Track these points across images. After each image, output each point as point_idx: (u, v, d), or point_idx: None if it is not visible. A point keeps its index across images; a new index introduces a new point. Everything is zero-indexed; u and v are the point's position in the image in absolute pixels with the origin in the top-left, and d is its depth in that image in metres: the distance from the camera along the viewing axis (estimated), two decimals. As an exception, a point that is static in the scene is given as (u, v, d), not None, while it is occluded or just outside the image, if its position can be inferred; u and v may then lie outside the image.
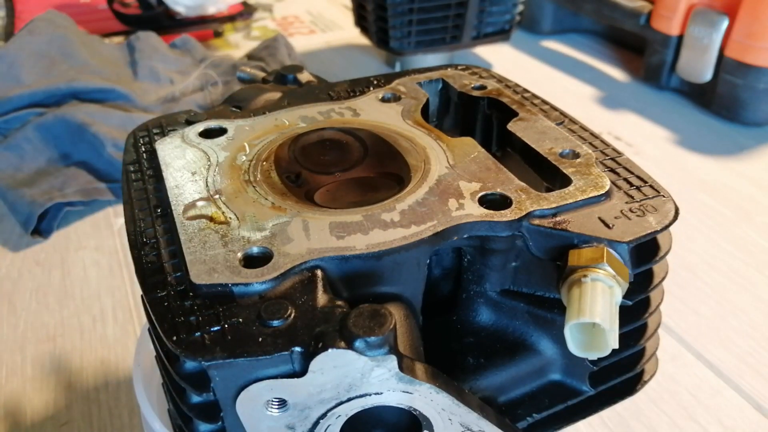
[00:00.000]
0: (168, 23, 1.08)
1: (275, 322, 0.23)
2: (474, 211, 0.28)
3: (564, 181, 0.31)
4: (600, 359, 0.29)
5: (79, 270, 0.59)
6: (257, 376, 0.23)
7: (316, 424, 0.25)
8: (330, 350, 0.22)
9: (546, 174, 0.33)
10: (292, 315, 0.23)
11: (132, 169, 0.33)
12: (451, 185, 0.30)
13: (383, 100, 0.39)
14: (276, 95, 0.40)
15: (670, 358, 0.45)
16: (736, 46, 0.70)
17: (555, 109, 0.38)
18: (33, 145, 0.71)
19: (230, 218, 0.28)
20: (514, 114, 0.37)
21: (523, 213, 0.28)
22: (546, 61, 0.90)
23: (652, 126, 0.75)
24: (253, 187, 0.30)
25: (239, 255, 0.26)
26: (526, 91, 0.40)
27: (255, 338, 0.23)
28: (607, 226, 0.28)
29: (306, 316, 0.23)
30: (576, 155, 0.33)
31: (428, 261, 0.29)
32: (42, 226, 0.65)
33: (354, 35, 0.89)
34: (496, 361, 0.32)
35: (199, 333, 0.23)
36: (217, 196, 0.30)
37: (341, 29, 1.02)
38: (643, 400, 0.41)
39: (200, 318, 0.23)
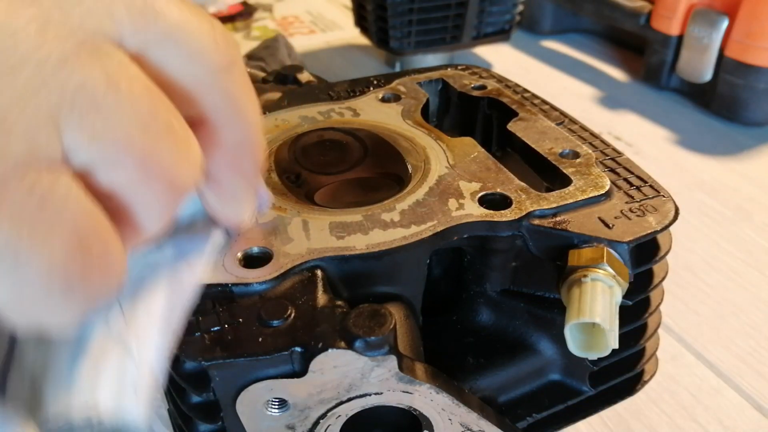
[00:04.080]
0: (168, 23, 1.07)
1: (275, 322, 0.23)
2: (474, 211, 0.28)
3: (564, 181, 0.31)
4: (600, 359, 0.29)
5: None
6: (257, 376, 0.23)
7: (316, 424, 0.25)
8: (330, 350, 0.22)
9: (546, 174, 0.33)
10: (292, 315, 0.23)
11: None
12: (451, 185, 0.30)
13: (383, 100, 0.39)
14: (276, 95, 0.40)
15: (670, 358, 0.45)
16: (736, 46, 0.70)
17: (555, 109, 0.38)
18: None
19: (230, 218, 0.28)
20: (514, 114, 0.37)
21: (523, 213, 0.28)
22: (546, 61, 0.90)
23: (652, 126, 0.74)
24: (253, 187, 0.30)
25: (239, 255, 0.26)
26: (526, 91, 0.40)
27: (255, 338, 0.23)
28: (607, 226, 0.28)
29: (306, 316, 0.23)
30: (576, 155, 0.33)
31: (428, 261, 0.29)
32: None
33: (354, 35, 0.88)
34: (496, 361, 0.32)
35: (199, 333, 0.23)
36: (217, 196, 0.30)
37: (341, 29, 1.02)
38: (643, 400, 0.41)
39: (200, 318, 0.23)
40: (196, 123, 0.20)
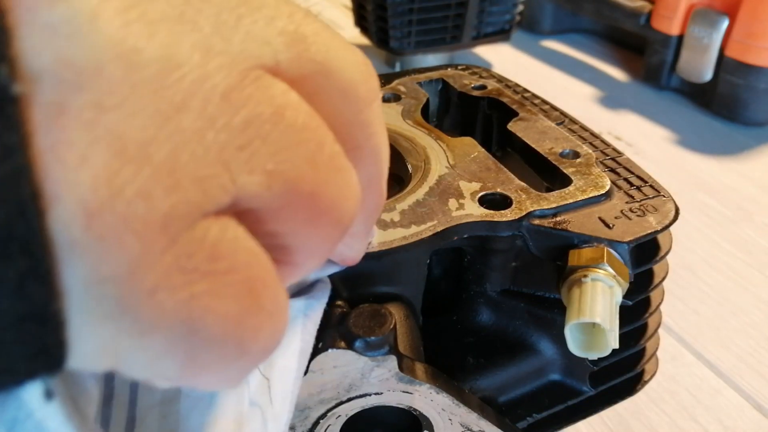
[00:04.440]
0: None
1: (275, 322, 0.23)
2: (474, 211, 0.28)
3: (564, 181, 0.31)
4: (600, 359, 0.29)
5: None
6: (257, 376, 0.23)
7: (316, 424, 0.25)
8: (330, 350, 0.22)
9: (546, 174, 0.33)
10: (292, 315, 0.23)
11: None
12: (451, 185, 0.30)
13: (383, 100, 0.39)
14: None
15: (671, 358, 0.45)
16: (736, 46, 0.70)
17: (555, 108, 0.38)
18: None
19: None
20: (514, 114, 0.37)
21: (524, 213, 0.28)
22: (546, 61, 0.90)
23: (652, 126, 0.74)
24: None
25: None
26: (526, 90, 0.40)
27: (255, 338, 0.23)
28: (607, 226, 0.28)
29: (306, 316, 0.23)
30: (576, 155, 0.33)
31: (428, 261, 0.29)
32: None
33: (354, 35, 0.88)
34: (496, 361, 0.32)
35: (199, 333, 0.23)
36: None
37: (341, 29, 1.02)
38: (643, 400, 0.41)
39: (200, 318, 0.23)
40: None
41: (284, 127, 0.15)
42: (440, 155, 0.33)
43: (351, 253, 0.21)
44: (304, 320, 0.20)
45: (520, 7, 0.82)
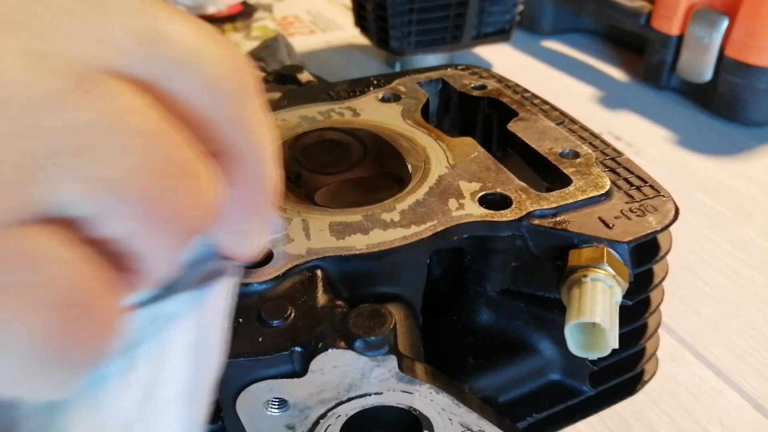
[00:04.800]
0: (168, 23, 1.07)
1: (275, 322, 0.23)
2: (474, 211, 0.28)
3: (564, 181, 0.31)
4: (600, 359, 0.29)
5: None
6: (257, 376, 0.23)
7: (316, 424, 0.25)
8: (330, 350, 0.22)
9: (546, 174, 0.33)
10: (292, 315, 0.23)
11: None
12: (451, 185, 0.30)
13: (383, 100, 0.39)
14: (276, 95, 0.40)
15: (671, 358, 0.45)
16: (736, 46, 0.70)
17: (555, 108, 0.38)
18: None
19: (230, 218, 0.28)
20: (514, 114, 0.37)
21: (523, 213, 0.28)
22: (546, 61, 0.90)
23: (652, 126, 0.74)
24: (253, 187, 0.30)
25: (239, 255, 0.26)
26: (526, 91, 0.40)
27: (255, 338, 0.23)
28: (607, 226, 0.28)
29: (306, 316, 0.23)
30: (576, 155, 0.33)
31: (428, 261, 0.29)
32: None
33: (354, 35, 0.88)
34: (496, 361, 0.32)
35: (199, 333, 0.23)
36: (217, 196, 0.30)
37: (341, 29, 1.02)
38: (643, 400, 0.41)
39: (200, 318, 0.23)
40: (206, 157, 0.17)
41: (121, 134, 0.14)
42: (440, 155, 0.33)
43: (245, 249, 0.21)
44: (195, 312, 0.20)
45: (520, 7, 0.82)
